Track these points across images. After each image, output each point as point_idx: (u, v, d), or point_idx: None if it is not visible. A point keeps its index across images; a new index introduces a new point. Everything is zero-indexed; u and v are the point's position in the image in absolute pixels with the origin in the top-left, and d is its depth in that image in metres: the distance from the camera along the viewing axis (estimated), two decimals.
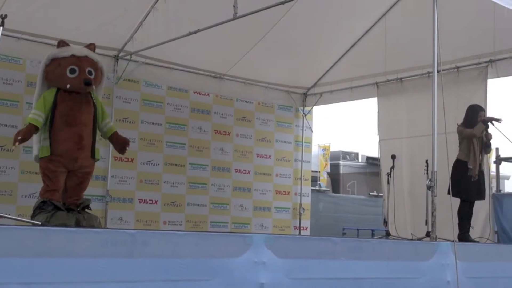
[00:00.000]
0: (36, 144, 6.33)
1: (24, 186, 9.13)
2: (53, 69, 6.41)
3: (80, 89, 6.39)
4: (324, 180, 17.50)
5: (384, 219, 11.59)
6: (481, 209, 9.31)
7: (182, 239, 4.71)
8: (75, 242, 4.15)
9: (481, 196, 8.52)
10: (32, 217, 6.08)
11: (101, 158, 9.84)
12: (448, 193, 7.57)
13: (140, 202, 10.48)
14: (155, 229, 9.94)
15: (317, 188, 16.27)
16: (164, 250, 4.53)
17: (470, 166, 8.26)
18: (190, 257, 4.61)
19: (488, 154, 8.49)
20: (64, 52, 6.51)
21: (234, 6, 7.96)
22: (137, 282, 4.34)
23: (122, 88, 10.34)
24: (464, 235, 8.31)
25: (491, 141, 8.48)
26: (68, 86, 6.30)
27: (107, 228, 9.07)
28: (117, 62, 10.08)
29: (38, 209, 6.13)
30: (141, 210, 10.47)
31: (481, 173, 8.41)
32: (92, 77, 6.47)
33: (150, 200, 10.58)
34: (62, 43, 6.62)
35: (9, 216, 6.55)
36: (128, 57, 10.01)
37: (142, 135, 10.61)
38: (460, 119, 8.62)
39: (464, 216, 8.44)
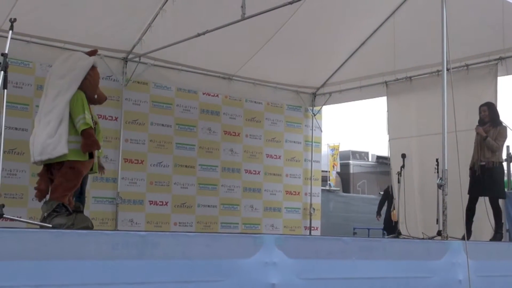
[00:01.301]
0: (65, 143, 6.15)
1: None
2: (94, 76, 6.55)
3: (101, 103, 6.72)
4: (333, 180, 17.44)
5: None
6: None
7: (192, 240, 4.71)
8: (86, 244, 4.17)
9: (481, 192, 8.52)
10: (48, 220, 6.00)
11: (111, 160, 9.93)
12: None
13: (150, 204, 10.49)
14: (165, 230, 9.96)
15: (327, 188, 16.24)
16: (175, 251, 4.53)
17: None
18: (200, 258, 4.62)
19: (490, 149, 8.41)
20: (97, 62, 6.72)
21: (242, 6, 7.93)
22: (148, 283, 4.35)
23: (132, 90, 10.37)
24: (468, 232, 8.35)
25: (492, 138, 8.45)
26: (95, 96, 6.49)
27: (118, 230, 9.09)
28: (126, 64, 10.09)
29: (54, 212, 6.08)
30: (151, 212, 10.49)
31: (484, 169, 8.40)
32: None
33: (160, 201, 10.59)
34: (96, 53, 6.78)
35: (20, 219, 6.59)
36: (137, 59, 10.02)
37: (151, 137, 10.63)
38: (470, 117, 8.63)
39: (466, 213, 8.48)
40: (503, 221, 8.75)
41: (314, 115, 12.53)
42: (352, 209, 15.68)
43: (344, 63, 11.54)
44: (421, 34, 9.74)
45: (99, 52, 9.47)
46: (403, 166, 9.79)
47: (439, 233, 8.06)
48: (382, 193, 12.53)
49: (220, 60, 10.68)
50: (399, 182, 9.76)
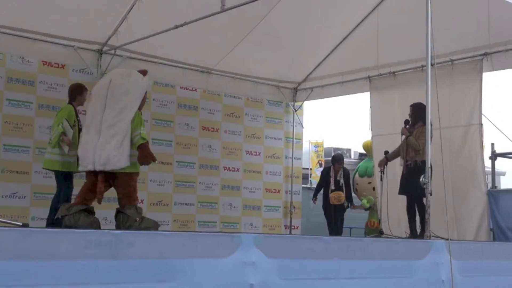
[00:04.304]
0: (128, 157, 6.94)
1: (5, 185, 8.97)
2: (145, 96, 7.36)
3: None
4: (316, 177, 17.31)
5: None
6: (476, 207, 9.21)
7: (168, 240, 4.71)
8: (58, 244, 4.12)
9: (406, 191, 8.58)
10: (138, 223, 6.88)
11: None
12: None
13: None
14: None
15: (308, 185, 16.11)
16: (150, 251, 4.49)
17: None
18: (177, 258, 4.58)
19: (414, 148, 8.29)
20: None
21: None
22: (122, 284, 4.30)
23: None
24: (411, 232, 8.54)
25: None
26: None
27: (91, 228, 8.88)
28: (100, 56, 9.95)
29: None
30: None
31: (409, 168, 8.40)
32: None
33: None
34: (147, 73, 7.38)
35: None
36: (112, 51, 9.90)
37: None
38: (455, 113, 8.54)
39: (407, 213, 8.65)
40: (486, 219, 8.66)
41: (295, 110, 12.45)
42: None
43: (326, 57, 11.51)
44: (406, 28, 9.70)
45: (73, 44, 9.39)
46: (386, 164, 9.66)
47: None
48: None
49: (199, 53, 10.61)
50: (382, 179, 9.64)
